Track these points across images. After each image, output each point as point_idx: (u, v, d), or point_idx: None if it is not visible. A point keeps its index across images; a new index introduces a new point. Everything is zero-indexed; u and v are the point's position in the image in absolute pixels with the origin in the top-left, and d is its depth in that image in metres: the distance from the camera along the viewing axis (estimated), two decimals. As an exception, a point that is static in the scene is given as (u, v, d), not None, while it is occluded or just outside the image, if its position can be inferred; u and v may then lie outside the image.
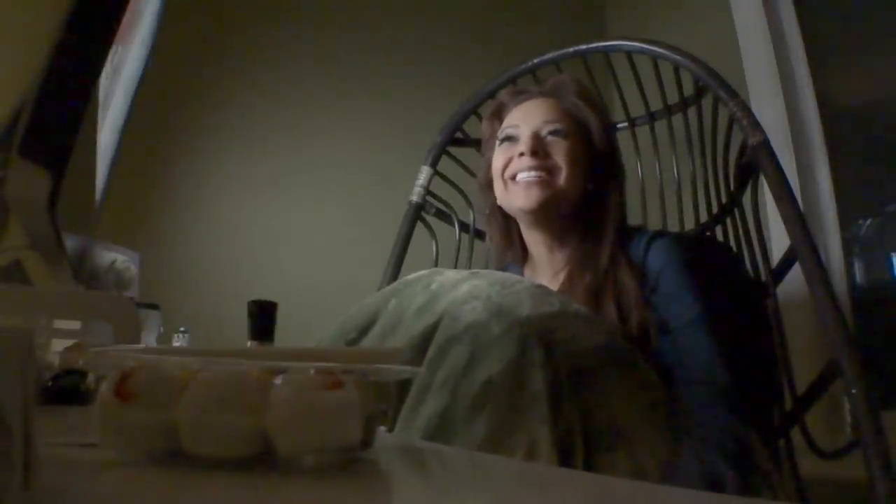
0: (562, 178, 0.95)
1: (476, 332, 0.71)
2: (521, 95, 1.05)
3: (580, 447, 0.69)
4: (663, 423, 0.77)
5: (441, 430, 0.68)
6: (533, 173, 0.95)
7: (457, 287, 0.77)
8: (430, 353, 0.72)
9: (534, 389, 0.69)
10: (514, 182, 0.97)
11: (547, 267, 1.02)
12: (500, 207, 1.04)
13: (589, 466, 0.69)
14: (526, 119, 0.99)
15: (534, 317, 0.73)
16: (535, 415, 0.68)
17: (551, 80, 1.06)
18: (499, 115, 1.06)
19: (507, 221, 1.06)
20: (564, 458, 0.68)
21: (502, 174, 0.99)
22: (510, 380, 0.69)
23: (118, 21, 0.62)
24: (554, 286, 0.98)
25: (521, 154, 0.96)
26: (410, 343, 0.74)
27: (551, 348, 0.72)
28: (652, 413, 0.77)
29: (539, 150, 0.96)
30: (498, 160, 1.00)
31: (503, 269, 1.09)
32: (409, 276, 0.85)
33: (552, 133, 0.97)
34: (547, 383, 0.69)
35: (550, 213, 0.97)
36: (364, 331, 0.80)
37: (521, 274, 1.06)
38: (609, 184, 0.99)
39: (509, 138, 1.00)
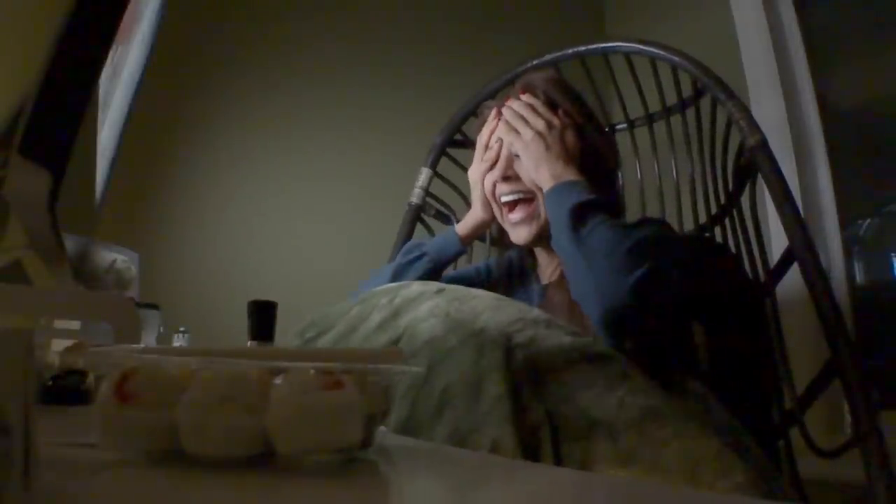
0: (540, 201, 0.95)
1: (433, 346, 0.73)
2: (496, 105, 1.04)
3: (547, 442, 0.70)
4: (650, 406, 0.77)
5: (405, 436, 0.69)
6: (512, 196, 0.97)
7: (418, 304, 0.78)
8: None
9: (494, 392, 0.70)
10: (506, 212, 0.99)
11: (547, 265, 1.04)
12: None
13: (559, 459, 0.70)
14: (499, 138, 1.00)
15: (490, 326, 0.75)
16: (496, 416, 0.69)
17: (521, 82, 1.04)
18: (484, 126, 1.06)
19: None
20: (531, 455, 0.69)
21: (493, 194, 1.01)
22: (468, 385, 0.71)
23: (118, 21, 0.62)
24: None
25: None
26: None
27: (510, 353, 0.74)
28: (635, 398, 0.77)
29: (512, 174, 0.97)
30: (487, 182, 1.01)
31: (507, 260, 1.10)
32: (377, 288, 0.86)
33: None
34: (507, 385, 0.70)
35: (543, 239, 0.98)
36: (323, 332, 0.82)
37: (524, 267, 1.07)
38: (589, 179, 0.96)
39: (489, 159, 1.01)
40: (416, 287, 0.83)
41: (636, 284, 0.75)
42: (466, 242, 1.05)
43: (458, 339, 0.73)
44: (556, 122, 0.93)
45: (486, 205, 1.02)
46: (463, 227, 1.03)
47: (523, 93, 1.01)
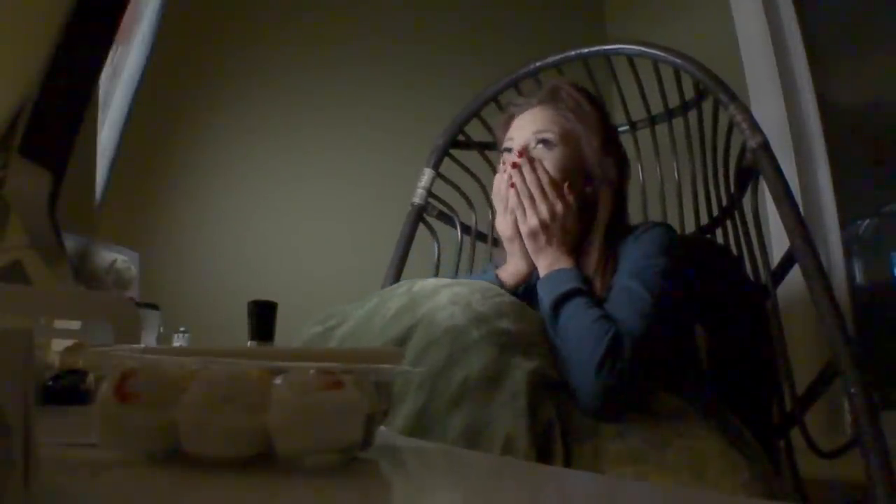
0: None
1: (454, 336, 0.74)
2: (521, 106, 1.04)
3: (559, 439, 0.72)
4: (655, 405, 0.80)
5: (419, 427, 0.70)
6: None
7: (437, 293, 0.79)
8: (409, 356, 0.74)
9: (513, 389, 0.72)
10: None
11: None
12: None
13: (570, 456, 0.72)
14: (520, 131, 1.00)
15: (514, 331, 0.77)
16: (512, 411, 0.70)
17: (547, 86, 1.05)
18: (508, 125, 1.06)
19: None
20: (543, 452, 0.70)
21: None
22: (488, 379, 0.72)
23: (118, 21, 0.62)
24: None
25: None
26: (386, 343, 0.76)
27: (531, 358, 0.76)
28: (640, 399, 0.80)
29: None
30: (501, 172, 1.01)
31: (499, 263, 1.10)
32: (398, 283, 0.88)
33: (541, 142, 0.97)
34: (527, 385, 0.72)
35: None
36: (342, 323, 0.84)
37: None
38: (601, 186, 0.97)
39: (507, 150, 1.01)
40: (433, 280, 0.84)
41: (605, 378, 0.77)
42: (509, 290, 1.00)
43: (480, 334, 0.74)
44: (559, 208, 0.92)
45: (527, 257, 0.97)
46: (508, 277, 0.98)
47: (546, 104, 1.00)
